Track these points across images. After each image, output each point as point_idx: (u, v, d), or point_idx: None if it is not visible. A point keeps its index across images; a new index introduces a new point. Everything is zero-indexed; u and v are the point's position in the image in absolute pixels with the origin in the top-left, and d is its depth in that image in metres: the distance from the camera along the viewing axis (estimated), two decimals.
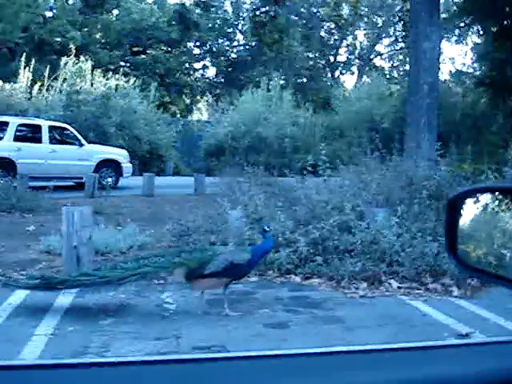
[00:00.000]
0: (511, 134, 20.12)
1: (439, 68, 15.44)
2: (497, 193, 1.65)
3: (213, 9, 31.24)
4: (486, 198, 1.66)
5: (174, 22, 27.91)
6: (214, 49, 35.72)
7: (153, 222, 10.66)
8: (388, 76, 33.20)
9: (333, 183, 8.37)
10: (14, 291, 5.85)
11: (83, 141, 17.76)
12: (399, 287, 6.62)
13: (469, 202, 1.64)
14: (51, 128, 17.44)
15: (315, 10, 34.82)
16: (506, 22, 17.63)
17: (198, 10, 30.24)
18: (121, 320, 5.29)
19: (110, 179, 18.11)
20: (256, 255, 5.76)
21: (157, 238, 9.06)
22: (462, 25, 22.16)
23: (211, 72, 38.18)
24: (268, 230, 5.86)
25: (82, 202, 14.23)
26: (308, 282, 6.82)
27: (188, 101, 36.39)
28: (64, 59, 23.49)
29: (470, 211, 1.66)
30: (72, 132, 17.76)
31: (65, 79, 22.97)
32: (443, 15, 27.17)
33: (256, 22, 20.23)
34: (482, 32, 20.44)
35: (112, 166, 18.19)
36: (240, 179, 9.82)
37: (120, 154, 18.62)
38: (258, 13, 20.01)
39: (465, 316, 5.69)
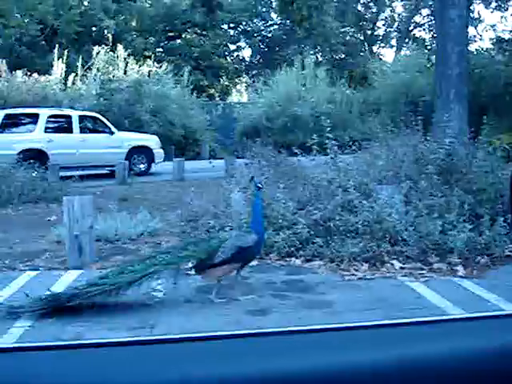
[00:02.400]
0: None
1: (467, 36, 14.82)
2: None
3: None
4: None
5: (196, 5, 27.73)
6: (249, 29, 35.38)
7: (174, 208, 10.59)
8: (429, 47, 32.20)
9: (341, 161, 8.06)
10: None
11: (114, 129, 17.86)
12: (402, 268, 6.34)
13: None
14: (81, 118, 17.57)
15: None
16: None
17: None
18: (103, 310, 5.20)
19: (141, 166, 18.24)
20: (259, 231, 5.61)
21: (169, 224, 9.00)
22: None
23: (247, 53, 37.94)
24: (261, 186, 5.78)
25: (111, 189, 14.39)
26: (308, 264, 6.61)
27: (226, 83, 36.22)
28: (96, 48, 23.61)
29: None
30: (102, 121, 17.88)
31: (98, 69, 23.12)
32: None
33: None
34: None
35: (143, 152, 18.29)
36: (247, 161, 9.62)
37: (151, 140, 18.68)
38: None
39: (463, 297, 5.39)
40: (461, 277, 6.10)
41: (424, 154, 7.40)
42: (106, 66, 23.38)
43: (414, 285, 5.82)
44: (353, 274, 6.16)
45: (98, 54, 23.52)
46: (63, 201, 7.30)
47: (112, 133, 17.73)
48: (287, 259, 6.73)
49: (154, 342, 1.15)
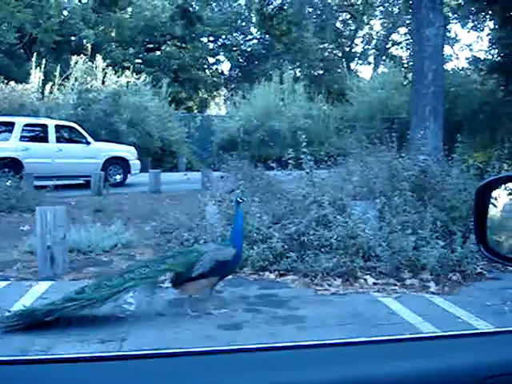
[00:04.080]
0: None
1: (443, 55, 15.02)
2: None
3: (225, 3, 31.00)
4: None
5: (176, 18, 27.79)
6: (228, 43, 35.49)
7: (149, 219, 10.53)
8: (406, 65, 32.59)
9: (316, 176, 8.09)
10: None
11: (90, 139, 17.73)
12: (375, 283, 6.37)
13: (497, 191, 1.64)
14: (58, 127, 17.42)
15: (329, 1, 34.32)
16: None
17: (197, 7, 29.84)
18: (73, 322, 5.13)
19: (118, 176, 18.13)
20: (238, 245, 5.59)
21: (142, 236, 8.95)
22: (475, 11, 21.56)
23: (226, 66, 38.08)
24: (241, 200, 5.79)
25: (86, 199, 14.26)
26: (282, 278, 6.61)
27: (205, 96, 36.24)
28: (74, 58, 23.50)
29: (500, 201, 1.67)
30: (79, 130, 17.74)
31: (76, 78, 23.00)
32: (455, 1, 26.63)
33: (263, 14, 19.95)
34: (493, 18, 19.92)
35: (120, 163, 18.18)
36: (223, 174, 9.62)
37: (127, 151, 18.57)
38: (265, 5, 19.66)
39: (435, 314, 5.42)
40: (433, 293, 6.13)
41: (398, 170, 7.45)
42: (84, 75, 23.26)
43: (386, 300, 5.84)
44: (326, 289, 6.17)
45: (76, 63, 23.40)
46: (36, 211, 7.21)
47: (88, 143, 17.60)
48: (261, 273, 6.72)
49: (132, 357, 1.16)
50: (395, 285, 6.33)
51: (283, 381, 1.08)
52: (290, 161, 8.28)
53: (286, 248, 6.73)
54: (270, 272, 6.67)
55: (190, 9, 24.98)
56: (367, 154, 8.87)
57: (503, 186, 1.65)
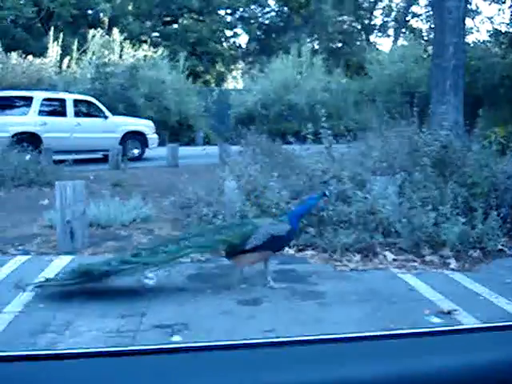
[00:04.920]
0: None
1: (464, 28, 14.77)
2: None
3: None
4: None
5: None
6: (246, 15, 35.16)
7: (167, 194, 10.54)
8: (426, 38, 32.10)
9: (335, 151, 8.03)
10: None
11: (108, 113, 17.76)
12: (395, 259, 6.33)
13: None
14: (76, 101, 17.45)
15: None
16: None
17: None
18: (94, 297, 5.17)
19: (135, 151, 18.18)
20: (294, 223, 5.62)
21: (161, 211, 8.97)
22: None
23: (243, 40, 37.76)
24: (328, 194, 5.86)
25: (104, 174, 14.32)
26: (301, 254, 6.59)
27: (222, 69, 36.03)
28: (91, 32, 23.42)
29: None
30: (97, 105, 17.77)
31: (93, 52, 22.97)
32: None
33: None
34: None
35: (137, 137, 18.22)
36: (241, 148, 9.58)
37: (145, 126, 18.60)
38: None
39: (455, 291, 5.38)
40: (453, 270, 6.09)
41: (419, 145, 7.36)
42: (102, 49, 23.21)
43: (405, 277, 5.81)
44: (345, 265, 6.14)
45: (93, 37, 23.34)
46: (55, 186, 7.23)
47: (106, 117, 17.64)
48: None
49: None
50: (415, 261, 6.29)
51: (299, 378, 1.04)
52: (308, 135, 8.22)
53: (305, 223, 6.70)
54: (289, 247, 6.65)
55: None
56: (386, 129, 8.78)
57: None
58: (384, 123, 8.82)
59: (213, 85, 34.14)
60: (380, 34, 38.57)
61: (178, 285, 5.50)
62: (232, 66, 37.08)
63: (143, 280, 5.62)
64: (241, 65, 37.49)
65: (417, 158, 7.29)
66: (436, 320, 4.59)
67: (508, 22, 27.52)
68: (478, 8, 33.95)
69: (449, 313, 4.72)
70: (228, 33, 36.20)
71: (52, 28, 23.75)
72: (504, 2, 29.79)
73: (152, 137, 18.47)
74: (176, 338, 4.23)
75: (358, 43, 35.07)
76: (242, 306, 4.94)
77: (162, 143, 19.01)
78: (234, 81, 38.42)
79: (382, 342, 1.15)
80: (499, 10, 29.33)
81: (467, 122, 9.34)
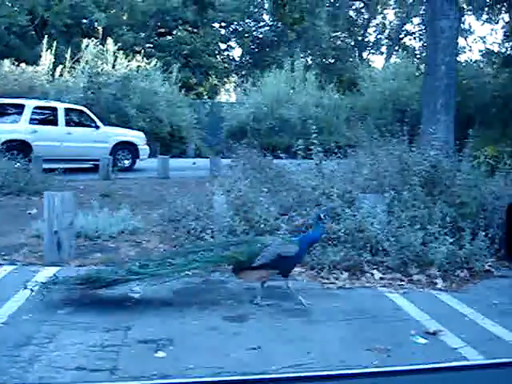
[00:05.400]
0: None
1: (457, 48, 14.88)
2: None
3: None
4: None
5: (188, 3, 27.62)
6: (240, 29, 35.29)
7: (156, 206, 10.51)
8: (419, 56, 32.30)
9: (325, 167, 8.04)
10: None
11: (99, 123, 17.73)
12: (382, 278, 6.33)
13: None
14: (67, 110, 17.41)
15: None
16: None
17: None
18: (79, 309, 5.14)
19: (126, 161, 18.13)
20: (303, 247, 5.67)
21: (149, 223, 8.93)
22: (490, 2, 21.30)
23: (237, 53, 37.86)
24: (323, 218, 5.77)
25: (93, 184, 14.27)
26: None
27: (215, 82, 36.12)
28: (85, 41, 23.42)
29: None
30: (88, 114, 17.74)
31: (86, 61, 22.95)
32: None
33: (276, 1, 19.80)
34: (508, 11, 19.70)
35: (128, 148, 18.17)
36: (232, 162, 9.58)
37: (136, 136, 18.56)
38: None
39: (441, 311, 5.39)
40: (440, 289, 6.09)
41: (409, 164, 7.39)
42: (95, 59, 23.20)
43: (392, 296, 5.81)
44: (332, 283, 6.14)
45: (86, 46, 23.33)
46: (44, 196, 7.20)
47: (97, 127, 17.60)
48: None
49: None
50: (402, 280, 6.29)
51: None
52: (298, 151, 8.24)
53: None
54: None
55: None
56: (377, 146, 8.81)
57: None
58: (374, 141, 8.83)
59: (206, 97, 34.20)
60: (373, 51, 38.88)
61: (165, 299, 5.48)
62: (225, 79, 37.17)
63: (129, 293, 5.60)
64: (234, 78, 37.60)
65: (406, 176, 7.31)
66: (422, 340, 4.59)
67: (500, 41, 27.80)
68: (470, 28, 34.21)
69: (434, 333, 4.72)
70: (222, 46, 36.34)
71: (46, 36, 23.73)
72: (497, 23, 30.14)
73: (143, 148, 18.43)
74: (160, 354, 4.21)
75: (351, 59, 35.26)
76: (228, 322, 4.92)
77: (153, 154, 18.97)
78: (227, 94, 38.54)
79: (385, 378, 1.14)
80: (492, 29, 29.66)
81: (458, 142, 9.37)
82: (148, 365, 4.01)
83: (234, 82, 37.39)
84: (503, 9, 24.02)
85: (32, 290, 5.26)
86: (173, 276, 5.38)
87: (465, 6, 28.23)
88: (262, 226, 6.88)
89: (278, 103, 24.85)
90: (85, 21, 30.85)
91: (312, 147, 8.02)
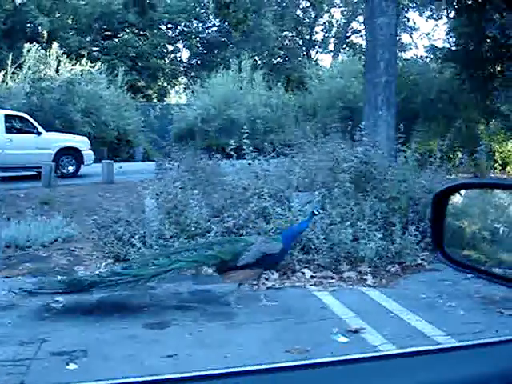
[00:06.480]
0: (480, 111, 19.83)
1: (396, 45, 15.02)
2: (484, 188, 1.75)
3: None
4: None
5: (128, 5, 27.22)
6: (187, 30, 35.03)
7: (95, 212, 10.30)
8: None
9: (261, 167, 7.95)
10: None
11: (41, 129, 17.33)
12: (313, 276, 6.29)
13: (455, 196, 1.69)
14: (8, 117, 16.98)
15: None
16: None
17: None
18: None
19: (70, 167, 17.78)
20: (287, 242, 5.66)
21: (85, 230, 8.73)
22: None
23: (185, 55, 37.61)
24: (317, 213, 5.83)
25: (35, 191, 13.93)
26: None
27: (164, 84, 35.79)
28: (27, 46, 22.88)
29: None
30: (30, 120, 17.33)
31: (29, 67, 22.43)
32: None
33: (219, 1, 19.63)
34: (449, 7, 20.04)
35: (72, 153, 17.80)
36: (167, 165, 9.44)
37: (80, 142, 18.20)
38: None
39: (367, 308, 5.37)
40: (369, 286, 6.08)
41: (339, 161, 7.36)
42: (37, 64, 22.68)
43: (321, 294, 5.77)
44: (263, 284, 6.06)
45: (29, 51, 22.79)
46: None
47: (39, 133, 17.21)
48: (198, 268, 6.57)
49: None
50: (332, 278, 6.27)
51: None
52: (231, 152, 8.17)
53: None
54: (208, 266, 6.53)
55: None
56: (314, 144, 8.77)
57: (460, 192, 1.70)
58: (310, 139, 8.80)
59: (155, 100, 33.85)
60: (321, 50, 39.03)
61: (86, 308, 5.31)
62: (174, 81, 36.86)
63: (52, 303, 5.43)
64: (183, 80, 37.31)
65: (337, 173, 7.28)
66: (343, 339, 4.54)
67: (444, 37, 28.22)
68: (415, 24, 34.68)
69: (356, 331, 4.69)
70: (169, 47, 35.99)
71: None
72: (441, 18, 30.59)
73: (87, 153, 18.07)
74: (72, 366, 4.07)
75: (300, 59, 35.35)
76: (147, 329, 4.79)
77: (100, 159, 18.63)
78: (178, 96, 38.22)
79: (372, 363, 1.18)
80: (435, 25, 30.08)
81: (404, 136, 9.37)
82: (57, 378, 3.87)
83: (184, 84, 37.13)
84: (446, 5, 24.37)
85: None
86: (157, 276, 5.33)
87: (409, 3, 28.63)
88: (193, 229, 6.76)
89: (225, 104, 24.71)
90: (29, 25, 30.18)
91: (245, 147, 7.92)
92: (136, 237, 6.62)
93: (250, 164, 7.96)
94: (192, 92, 27.47)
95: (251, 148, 7.91)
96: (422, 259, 6.92)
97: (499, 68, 18.15)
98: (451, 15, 23.55)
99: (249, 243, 5.52)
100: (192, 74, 35.25)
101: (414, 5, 28.72)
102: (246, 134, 7.90)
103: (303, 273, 6.32)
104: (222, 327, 4.84)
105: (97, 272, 6.59)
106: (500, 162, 20.98)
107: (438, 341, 4.46)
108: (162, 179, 8.48)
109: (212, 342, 4.48)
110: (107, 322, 4.95)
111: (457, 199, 1.73)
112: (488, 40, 16.92)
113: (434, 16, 30.06)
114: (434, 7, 28.17)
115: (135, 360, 4.12)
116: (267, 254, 5.45)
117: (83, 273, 6.77)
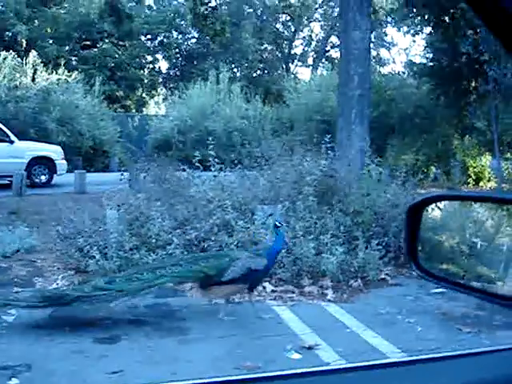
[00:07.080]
0: (455, 126, 19.99)
1: (370, 59, 15.08)
2: (458, 200, 1.76)
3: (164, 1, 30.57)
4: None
5: (104, 15, 27.11)
6: (166, 41, 34.94)
7: (61, 223, 10.15)
8: None
9: (226, 179, 7.89)
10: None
11: (14, 138, 17.13)
12: (273, 290, 6.22)
13: (429, 208, 1.68)
14: None
15: (268, 2, 34.24)
16: (445, 12, 17.40)
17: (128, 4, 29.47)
18: None
19: (43, 177, 17.58)
20: (271, 259, 5.60)
21: (49, 241, 8.58)
22: (410, 15, 21.74)
23: (164, 65, 37.51)
24: (280, 225, 5.71)
25: (4, 201, 13.72)
26: (181, 286, 6.37)
27: (143, 94, 35.65)
28: (3, 54, 22.68)
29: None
30: (2, 129, 17.12)
31: (4, 75, 22.22)
32: (391, 5, 26.95)
33: (197, 13, 19.64)
34: (426, 23, 20.22)
35: (45, 163, 17.61)
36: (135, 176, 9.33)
37: (53, 151, 17.98)
38: (198, 4, 19.29)
39: (324, 324, 5.30)
40: (329, 301, 6.02)
41: (303, 174, 7.31)
42: (13, 72, 22.48)
43: (279, 309, 5.69)
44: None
45: (4, 59, 22.59)
46: None
47: (12, 142, 17.00)
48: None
49: None
50: (293, 292, 6.19)
51: None
52: (197, 163, 8.10)
53: (187, 255, 6.50)
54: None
55: (119, 5, 24.24)
56: (281, 157, 8.72)
57: (434, 204, 1.70)
58: (277, 152, 8.75)
59: (133, 110, 33.68)
60: (300, 64, 39.15)
61: (38, 322, 5.17)
62: (153, 92, 36.73)
63: (3, 316, 5.29)
64: (162, 90, 37.21)
65: (301, 186, 7.23)
66: (296, 356, 4.47)
67: (421, 53, 28.44)
68: (393, 40, 34.93)
69: (310, 348, 4.61)
70: (149, 58, 35.87)
71: None
72: (418, 34, 30.82)
73: (60, 162, 17.87)
74: (13, 382, 3.94)
75: (279, 72, 35.42)
76: (97, 344, 4.68)
77: (74, 169, 18.43)
78: (157, 106, 38.07)
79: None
80: (413, 41, 30.34)
81: (377, 150, 9.34)
82: None
83: (163, 95, 37.02)
84: (422, 21, 24.58)
85: None
86: (141, 291, 5.26)
87: (385, 19, 28.82)
88: (154, 241, 6.66)
89: (202, 115, 24.63)
90: (7, 33, 29.93)
91: (210, 159, 7.86)
92: (94, 248, 6.51)
93: (215, 176, 7.89)
94: (170, 103, 27.38)
95: (217, 160, 7.84)
96: (385, 274, 6.88)
97: (473, 84, 18.29)
98: (427, 31, 23.79)
99: (234, 258, 5.47)
100: (171, 84, 35.15)
101: (392, 20, 28.85)
102: (212, 146, 7.84)
103: (264, 287, 6.24)
104: (174, 343, 4.74)
105: (54, 285, 6.49)
106: (473, 176, 21.13)
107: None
108: (126, 190, 8.35)
109: (161, 358, 4.38)
110: (57, 336, 4.83)
111: (436, 213, 1.74)
112: (462, 56, 17.04)
113: (412, 31, 30.25)
114: (410, 23, 28.35)
115: (79, 376, 4.01)
116: (252, 269, 5.41)
117: (41, 285, 6.67)
